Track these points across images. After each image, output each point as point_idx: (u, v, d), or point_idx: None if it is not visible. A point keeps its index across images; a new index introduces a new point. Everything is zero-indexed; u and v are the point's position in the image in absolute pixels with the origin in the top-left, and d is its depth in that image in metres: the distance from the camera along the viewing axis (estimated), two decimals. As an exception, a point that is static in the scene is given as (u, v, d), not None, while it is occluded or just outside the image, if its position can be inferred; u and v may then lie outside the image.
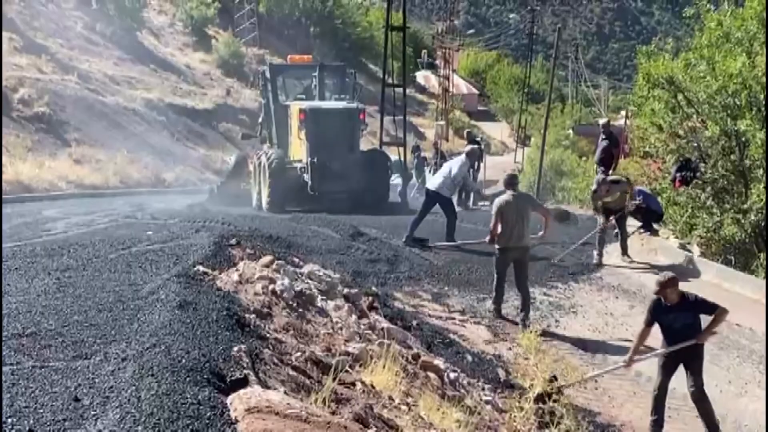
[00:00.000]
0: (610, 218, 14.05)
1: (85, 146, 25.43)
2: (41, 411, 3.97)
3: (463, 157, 15.33)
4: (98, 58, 34.94)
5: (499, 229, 10.53)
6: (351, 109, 19.45)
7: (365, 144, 26.79)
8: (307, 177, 18.50)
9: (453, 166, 14.88)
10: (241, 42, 48.23)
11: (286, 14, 58.86)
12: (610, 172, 16.09)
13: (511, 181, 10.96)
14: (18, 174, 20.46)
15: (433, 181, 15.11)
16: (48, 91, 27.00)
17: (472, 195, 21.14)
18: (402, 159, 24.38)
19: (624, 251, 14.50)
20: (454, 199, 16.35)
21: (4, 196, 17.09)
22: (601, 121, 18.90)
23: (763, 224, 15.91)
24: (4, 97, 24.46)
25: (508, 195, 10.68)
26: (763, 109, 16.42)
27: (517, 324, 10.58)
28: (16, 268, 7.43)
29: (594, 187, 14.31)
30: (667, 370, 8.22)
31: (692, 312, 8.07)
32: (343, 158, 18.56)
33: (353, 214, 16.72)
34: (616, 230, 14.52)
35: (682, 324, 8.03)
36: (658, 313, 8.18)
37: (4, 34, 29.15)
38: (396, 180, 22.95)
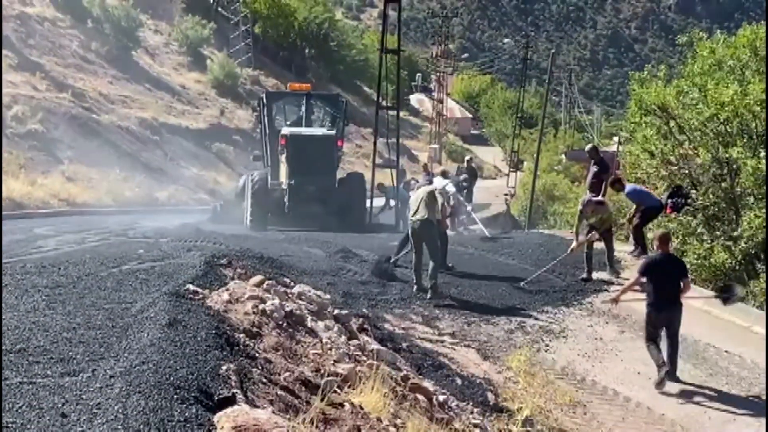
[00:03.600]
0: (593, 233, 14.10)
1: (78, 164, 25.42)
2: (28, 427, 3.95)
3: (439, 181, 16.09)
4: (93, 77, 34.99)
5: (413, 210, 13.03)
6: (328, 137, 20.80)
7: (358, 166, 26.76)
8: (286, 198, 19.53)
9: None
10: (235, 63, 48.41)
11: (281, 36, 59.12)
12: (599, 196, 16.14)
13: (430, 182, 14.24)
14: (10, 191, 20.46)
15: None
16: (42, 109, 26.99)
17: (463, 219, 21.16)
18: (394, 182, 24.46)
19: (611, 265, 14.58)
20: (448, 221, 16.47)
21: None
22: (587, 147, 18.92)
23: (753, 251, 15.95)
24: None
25: (423, 189, 13.21)
26: (754, 136, 16.52)
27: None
28: (6, 285, 7.42)
29: (580, 207, 14.43)
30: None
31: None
32: (320, 182, 19.68)
33: (344, 233, 16.84)
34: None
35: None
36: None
37: None
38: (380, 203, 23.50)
